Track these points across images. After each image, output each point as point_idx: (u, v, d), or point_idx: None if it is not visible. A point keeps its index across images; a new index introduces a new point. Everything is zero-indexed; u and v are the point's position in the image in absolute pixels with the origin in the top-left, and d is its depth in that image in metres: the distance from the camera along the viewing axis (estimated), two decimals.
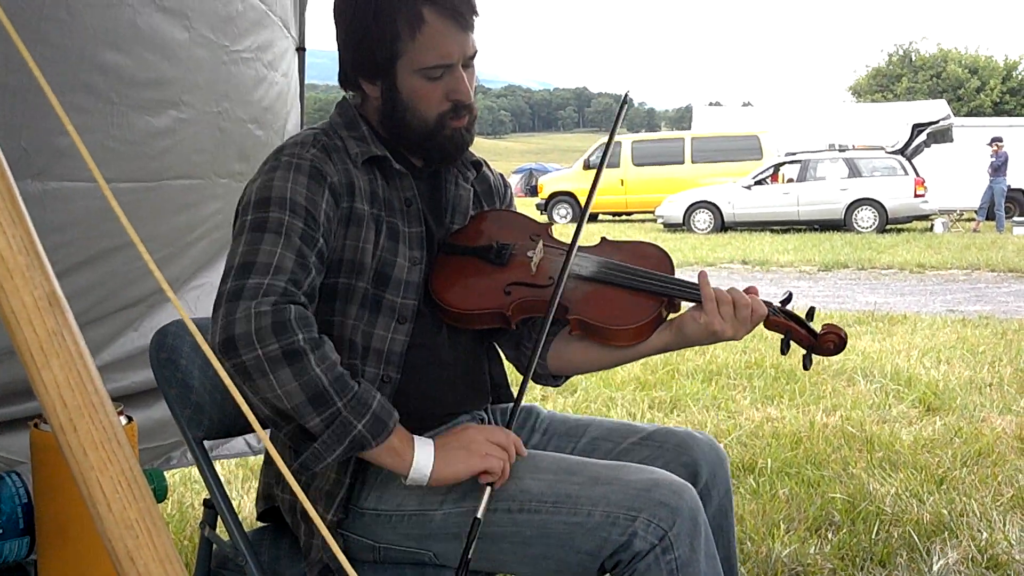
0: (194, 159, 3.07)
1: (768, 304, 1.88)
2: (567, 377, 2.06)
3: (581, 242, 1.89)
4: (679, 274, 1.90)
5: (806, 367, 1.93)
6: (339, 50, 1.84)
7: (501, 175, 2.15)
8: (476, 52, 1.81)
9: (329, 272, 1.74)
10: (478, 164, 2.04)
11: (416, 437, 1.65)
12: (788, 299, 1.93)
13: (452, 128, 1.82)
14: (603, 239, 2.00)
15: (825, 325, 1.91)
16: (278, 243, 1.62)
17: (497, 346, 2.05)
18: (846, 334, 1.90)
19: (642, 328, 1.85)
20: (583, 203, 2.07)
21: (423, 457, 1.62)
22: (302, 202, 1.67)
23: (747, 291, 1.87)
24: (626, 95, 2.11)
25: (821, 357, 1.93)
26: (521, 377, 1.83)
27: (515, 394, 1.80)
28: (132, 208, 2.84)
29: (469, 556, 1.56)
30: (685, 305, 1.90)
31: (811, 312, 1.93)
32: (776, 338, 1.95)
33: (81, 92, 2.51)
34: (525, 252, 1.92)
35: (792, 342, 1.91)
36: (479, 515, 1.59)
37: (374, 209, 1.78)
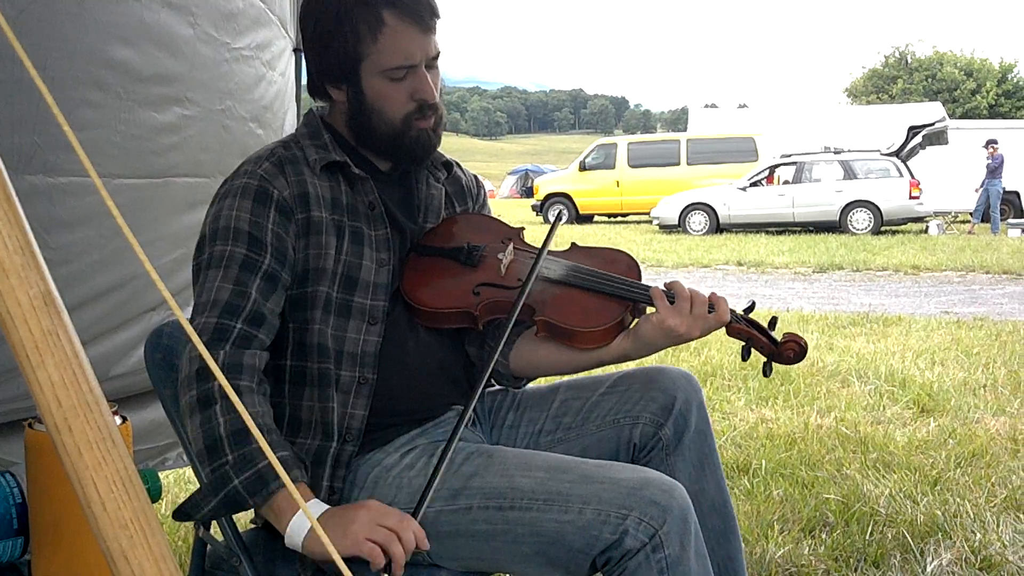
0: (200, 157, 3.07)
1: (732, 311, 1.89)
2: (528, 380, 2.05)
3: (551, 247, 1.91)
4: (671, 277, 1.91)
5: (766, 374, 1.94)
6: (306, 58, 1.87)
7: (475, 176, 2.17)
8: (439, 53, 1.83)
9: (297, 283, 1.76)
10: (448, 165, 2.06)
11: (313, 501, 1.62)
12: (751, 308, 1.95)
13: (419, 129, 1.84)
14: (573, 244, 2.02)
15: (786, 334, 1.92)
16: (216, 277, 1.68)
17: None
18: (806, 343, 1.91)
19: (606, 331, 1.86)
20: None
21: (297, 526, 1.56)
22: (245, 228, 1.71)
23: (710, 297, 1.87)
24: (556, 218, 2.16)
25: (780, 365, 1.94)
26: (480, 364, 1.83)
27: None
28: (140, 205, 2.84)
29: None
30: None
31: (773, 321, 1.94)
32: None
33: (92, 87, 2.52)
34: (495, 254, 1.94)
35: (753, 349, 1.92)
36: None
37: (335, 215, 1.80)
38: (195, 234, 3.17)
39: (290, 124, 3.62)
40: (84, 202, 2.54)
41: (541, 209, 26.70)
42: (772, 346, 1.90)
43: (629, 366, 1.99)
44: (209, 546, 1.93)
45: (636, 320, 1.90)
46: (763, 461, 4.01)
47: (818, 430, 4.60)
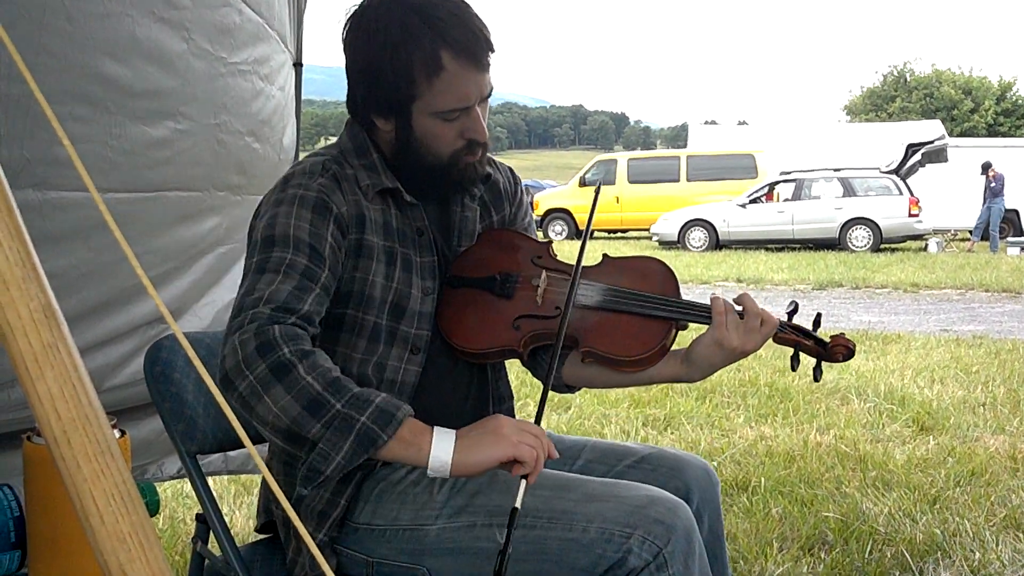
0: (192, 171, 3.06)
1: (779, 321, 1.87)
2: (580, 387, 2.07)
3: (584, 261, 1.86)
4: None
5: (816, 379, 1.89)
6: (350, 82, 1.79)
7: (510, 169, 2.09)
8: (492, 89, 1.77)
9: (336, 303, 1.73)
10: (486, 176, 1.96)
11: (436, 427, 1.58)
12: (794, 311, 1.91)
13: (465, 163, 1.80)
14: (605, 256, 1.98)
15: (833, 337, 1.89)
16: (275, 280, 1.61)
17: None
18: (854, 344, 1.88)
19: (653, 355, 1.84)
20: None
21: (442, 446, 1.55)
22: (305, 238, 1.65)
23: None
24: (598, 186, 2.06)
25: (830, 364, 1.91)
26: (537, 379, 1.79)
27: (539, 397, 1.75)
28: (129, 219, 2.84)
29: (509, 550, 1.49)
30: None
31: (817, 319, 1.92)
32: (774, 357, 1.95)
33: (80, 102, 2.52)
34: (530, 281, 1.90)
35: (802, 354, 1.90)
36: (517, 504, 1.51)
37: (387, 242, 1.77)
38: (186, 247, 3.19)
39: (289, 138, 3.61)
40: (73, 216, 2.54)
41: (541, 224, 26.73)
42: (820, 349, 1.87)
43: (657, 440, 1.95)
44: (207, 561, 1.92)
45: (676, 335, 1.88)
46: (762, 479, 4.00)
47: (817, 448, 4.59)
